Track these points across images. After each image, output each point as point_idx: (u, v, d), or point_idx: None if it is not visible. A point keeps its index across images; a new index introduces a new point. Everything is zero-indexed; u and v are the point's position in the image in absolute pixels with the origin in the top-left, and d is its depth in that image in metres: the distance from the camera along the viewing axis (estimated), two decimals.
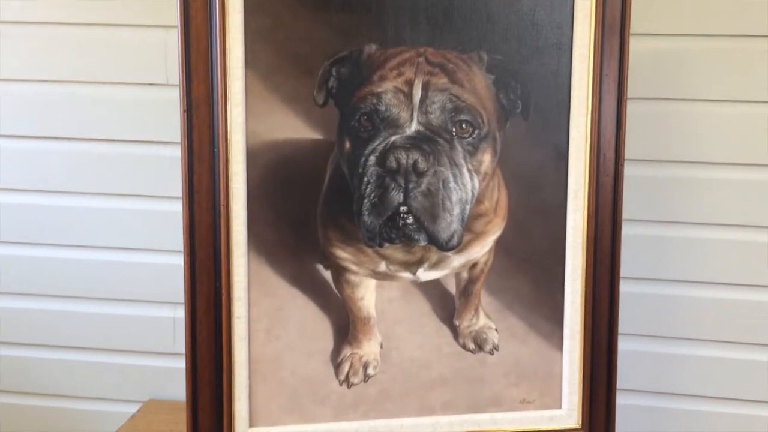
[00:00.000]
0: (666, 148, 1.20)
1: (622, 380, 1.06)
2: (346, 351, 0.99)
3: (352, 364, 0.99)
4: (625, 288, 1.05)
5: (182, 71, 0.90)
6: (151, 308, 1.33)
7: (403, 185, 0.89)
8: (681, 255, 1.23)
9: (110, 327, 1.34)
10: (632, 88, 0.99)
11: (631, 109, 1.00)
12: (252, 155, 0.93)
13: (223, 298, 0.94)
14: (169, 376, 1.34)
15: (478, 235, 0.98)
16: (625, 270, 1.04)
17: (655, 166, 1.21)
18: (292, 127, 0.94)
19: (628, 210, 1.04)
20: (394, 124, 0.91)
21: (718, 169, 1.21)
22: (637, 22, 0.99)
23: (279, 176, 0.94)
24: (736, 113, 1.19)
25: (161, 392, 1.35)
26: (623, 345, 1.06)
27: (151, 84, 1.25)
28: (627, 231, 1.05)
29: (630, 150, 1.05)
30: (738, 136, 1.19)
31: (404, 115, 0.91)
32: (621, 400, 1.08)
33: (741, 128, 1.19)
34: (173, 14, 0.90)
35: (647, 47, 1.16)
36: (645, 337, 1.26)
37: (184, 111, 0.91)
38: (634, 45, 0.97)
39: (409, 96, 0.91)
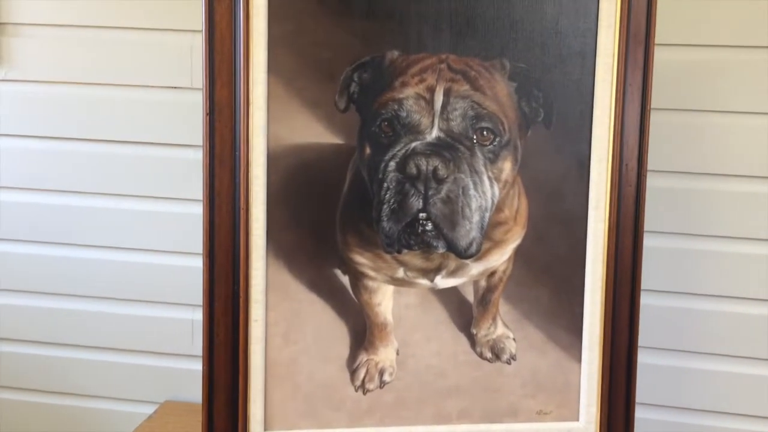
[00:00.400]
0: (689, 159, 1.19)
1: (641, 394, 1.04)
2: (363, 357, 0.99)
3: (368, 370, 0.99)
4: (645, 300, 1.03)
5: (206, 75, 0.91)
6: (170, 310, 1.34)
7: (422, 191, 0.89)
8: (703, 268, 1.22)
9: (129, 328, 1.34)
10: (656, 99, 0.98)
11: (655, 119, 0.99)
12: (273, 159, 0.93)
13: (241, 301, 0.94)
14: (187, 377, 1.34)
15: (497, 243, 0.97)
16: (646, 282, 1.03)
17: (678, 177, 1.20)
18: (313, 132, 0.94)
19: (650, 221, 1.03)
20: (414, 130, 0.91)
21: (741, 182, 1.19)
22: (661, 32, 0.98)
23: (299, 180, 0.95)
24: (761, 125, 1.17)
25: (178, 394, 1.36)
26: (643, 358, 1.05)
27: (175, 87, 1.26)
28: (648, 243, 1.03)
29: (653, 161, 1.04)
30: (763, 148, 1.17)
31: (425, 121, 0.91)
32: (640, 414, 1.06)
33: (766, 141, 1.17)
34: (199, 18, 0.91)
35: (671, 58, 1.15)
36: (665, 350, 1.25)
37: (207, 114, 0.91)
38: (658, 55, 0.96)
39: (430, 102, 0.91)
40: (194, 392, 1.28)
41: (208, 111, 0.91)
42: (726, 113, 1.17)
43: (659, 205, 1.18)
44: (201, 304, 0.94)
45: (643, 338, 1.02)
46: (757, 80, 1.16)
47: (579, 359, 1.00)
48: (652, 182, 1.01)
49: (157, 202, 1.30)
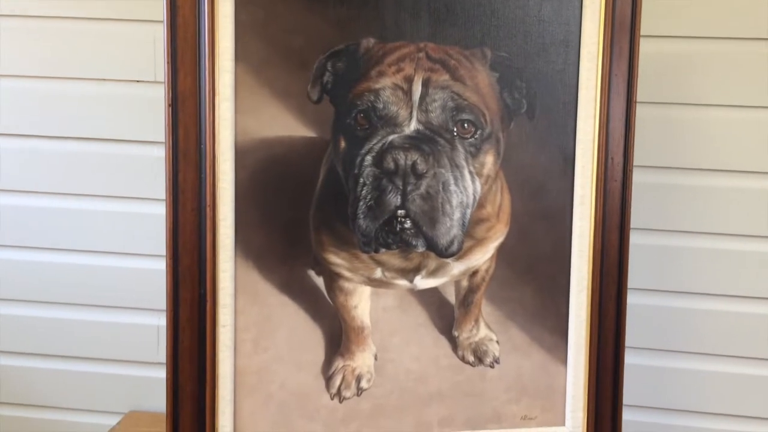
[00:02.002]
0: (674, 154, 1.18)
1: (627, 395, 1.03)
2: (338, 363, 0.96)
3: (344, 376, 0.96)
4: (631, 299, 1.02)
5: (168, 63, 0.87)
6: (135, 315, 1.30)
7: (400, 187, 0.86)
8: (689, 265, 1.20)
9: (91, 335, 1.31)
10: (640, 92, 0.97)
11: (638, 113, 0.97)
12: (241, 153, 0.90)
13: (208, 305, 0.91)
14: (152, 386, 1.31)
15: (479, 242, 0.95)
16: (631, 281, 1.02)
17: (663, 173, 1.19)
18: (284, 125, 0.91)
19: (634, 218, 1.01)
20: (392, 123, 0.88)
21: (728, 177, 1.18)
22: (645, 23, 0.96)
23: (269, 176, 0.92)
24: (747, 119, 1.16)
25: (143, 403, 1.32)
26: (629, 358, 1.04)
27: (138, 81, 1.22)
28: (634, 240, 1.02)
29: (637, 156, 1.02)
30: (749, 142, 1.16)
31: (403, 113, 0.88)
32: (626, 416, 1.05)
33: (752, 134, 1.16)
34: (161, 8, 0.87)
35: (655, 49, 1.14)
36: (652, 350, 1.24)
37: (169, 105, 0.88)
38: (642, 47, 0.95)
39: (408, 93, 0.88)
40: (160, 402, 1.23)
41: (170, 102, 0.88)
42: (710, 106, 1.16)
43: (644, 201, 1.17)
44: None
45: (628, 338, 1.01)
46: (742, 72, 1.14)
47: (564, 361, 0.98)
48: (636, 178, 0.99)
49: (118, 201, 1.27)
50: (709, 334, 1.22)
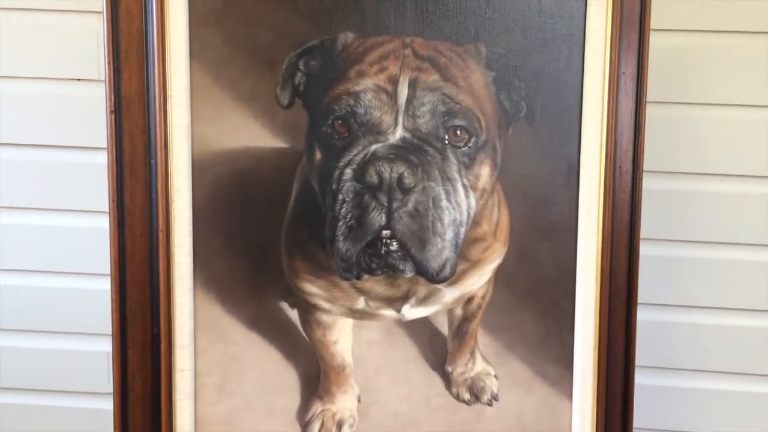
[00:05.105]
0: (680, 158, 1.14)
1: (638, 419, 0.99)
2: (317, 407, 0.94)
3: (323, 422, 0.94)
4: (638, 315, 1.00)
5: (109, 62, 0.85)
6: (83, 341, 1.24)
7: (385, 204, 0.82)
8: (698, 278, 1.17)
9: (35, 363, 1.26)
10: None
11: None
12: (199, 168, 0.87)
13: (163, 347, 0.87)
14: (103, 419, 1.22)
15: (474, 264, 0.91)
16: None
17: (668, 178, 1.15)
18: (250, 133, 0.88)
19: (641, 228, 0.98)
20: (375, 130, 0.84)
21: (738, 182, 1.14)
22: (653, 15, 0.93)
23: (233, 194, 0.89)
24: (759, 119, 1.12)
25: None
26: (637, 378, 1.01)
27: (80, 79, 1.17)
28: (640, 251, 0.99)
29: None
30: (761, 145, 1.13)
31: (387, 119, 0.84)
32: None
33: (765, 136, 1.13)
34: None
35: (658, 44, 1.07)
36: (660, 369, 1.20)
37: (111, 111, 0.86)
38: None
39: (393, 96, 0.84)
40: None
41: (112, 108, 0.85)
42: (719, 106, 1.12)
43: (649, 209, 1.09)
44: None
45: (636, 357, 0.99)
46: (754, 69, 1.10)
47: (570, 395, 0.95)
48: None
49: (64, 215, 1.21)
50: (722, 350, 1.19)
